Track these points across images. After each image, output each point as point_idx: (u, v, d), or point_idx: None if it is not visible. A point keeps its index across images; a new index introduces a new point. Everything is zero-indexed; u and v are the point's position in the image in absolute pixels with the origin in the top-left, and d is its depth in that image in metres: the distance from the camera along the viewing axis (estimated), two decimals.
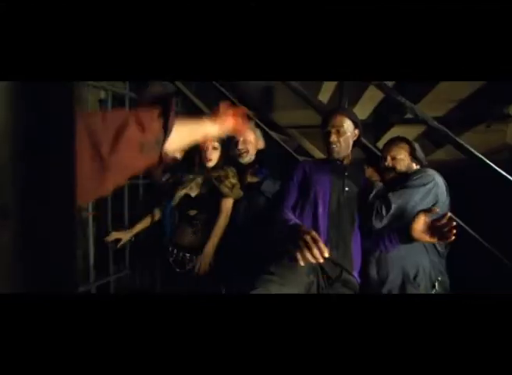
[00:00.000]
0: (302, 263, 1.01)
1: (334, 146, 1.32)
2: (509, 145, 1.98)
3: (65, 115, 0.24)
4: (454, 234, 0.97)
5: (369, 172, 1.33)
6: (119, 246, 1.67)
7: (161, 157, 0.48)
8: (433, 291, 1.19)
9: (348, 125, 1.32)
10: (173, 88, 2.03)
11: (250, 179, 1.53)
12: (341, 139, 1.31)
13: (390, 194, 1.19)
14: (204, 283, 1.54)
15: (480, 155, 1.41)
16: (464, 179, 1.49)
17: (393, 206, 1.17)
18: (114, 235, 1.64)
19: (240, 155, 1.55)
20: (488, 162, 1.39)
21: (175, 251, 1.55)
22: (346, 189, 1.30)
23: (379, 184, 1.29)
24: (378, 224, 1.21)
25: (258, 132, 1.65)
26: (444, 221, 1.01)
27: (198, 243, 1.54)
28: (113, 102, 1.79)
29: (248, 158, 1.56)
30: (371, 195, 1.24)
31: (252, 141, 1.57)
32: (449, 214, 1.02)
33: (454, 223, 0.97)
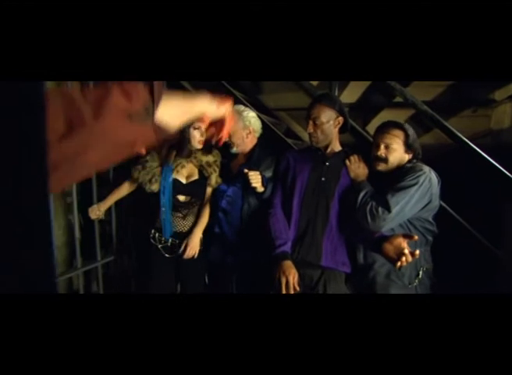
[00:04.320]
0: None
1: (311, 137, 1.34)
2: (493, 130, 2.02)
3: (36, 102, 0.22)
4: (403, 261, 1.00)
5: (354, 172, 1.27)
6: (93, 218, 1.60)
7: (156, 129, 0.43)
8: (416, 280, 1.19)
9: (327, 115, 1.30)
10: None
11: (258, 186, 1.37)
12: (318, 130, 1.31)
13: (389, 196, 1.12)
14: (188, 270, 1.55)
15: (466, 140, 1.43)
16: (449, 163, 1.51)
17: (394, 209, 1.10)
18: (90, 211, 1.58)
19: (230, 147, 1.49)
20: (473, 146, 1.41)
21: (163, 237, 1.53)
22: (323, 179, 1.29)
23: (367, 185, 1.23)
24: (375, 226, 1.14)
25: (248, 120, 1.48)
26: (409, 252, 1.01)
27: (187, 228, 1.53)
28: None
29: (235, 149, 1.49)
30: (361, 196, 1.18)
31: (237, 134, 1.44)
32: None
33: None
